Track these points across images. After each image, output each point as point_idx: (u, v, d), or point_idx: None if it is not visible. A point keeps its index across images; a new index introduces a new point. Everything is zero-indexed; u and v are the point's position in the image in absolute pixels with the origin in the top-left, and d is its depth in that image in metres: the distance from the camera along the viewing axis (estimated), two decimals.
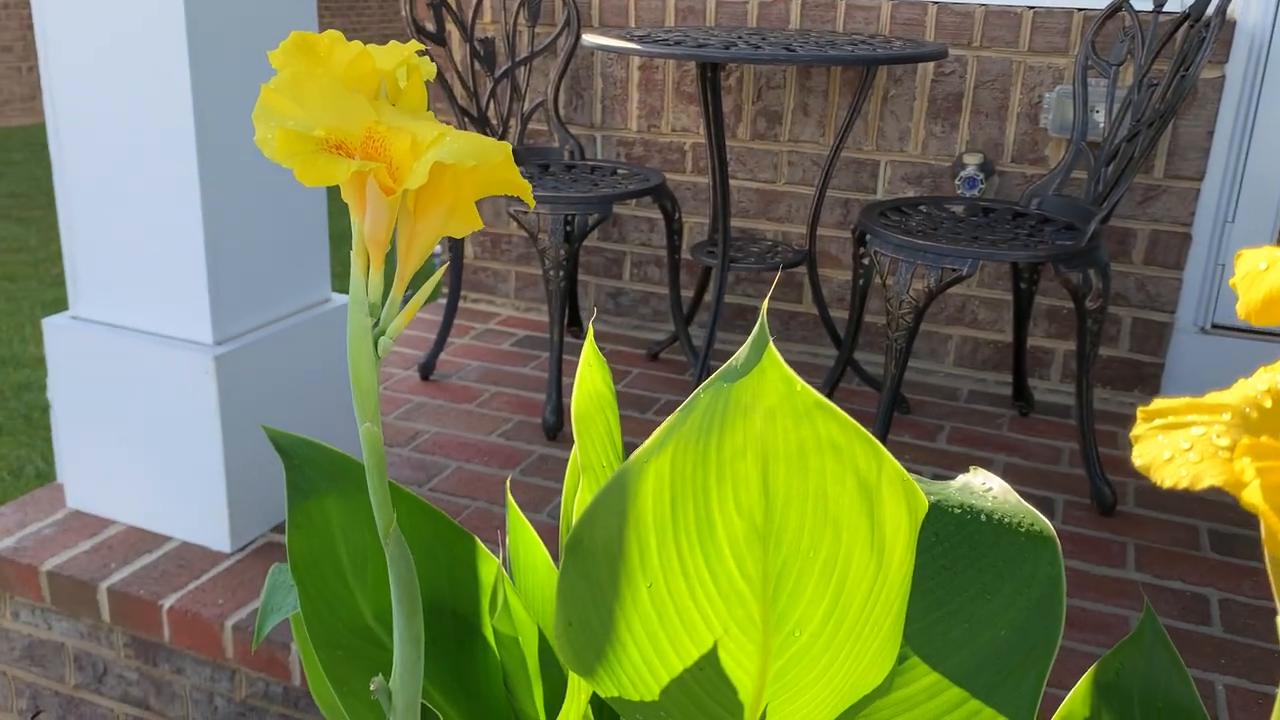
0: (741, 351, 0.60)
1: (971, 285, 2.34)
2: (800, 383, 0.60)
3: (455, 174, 0.55)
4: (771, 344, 0.60)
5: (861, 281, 2.10)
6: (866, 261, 2.05)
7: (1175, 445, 0.36)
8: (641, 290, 2.63)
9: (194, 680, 1.57)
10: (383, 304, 0.60)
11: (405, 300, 0.61)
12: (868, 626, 0.67)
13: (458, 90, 2.40)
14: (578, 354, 2.48)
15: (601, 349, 2.51)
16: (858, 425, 0.60)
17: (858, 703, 0.73)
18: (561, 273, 2.02)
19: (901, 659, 0.77)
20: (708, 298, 2.47)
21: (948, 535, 0.80)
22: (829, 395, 2.23)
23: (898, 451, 2.05)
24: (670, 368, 2.43)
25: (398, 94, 0.58)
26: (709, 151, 2.11)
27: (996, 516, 0.81)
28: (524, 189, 0.57)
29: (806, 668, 0.67)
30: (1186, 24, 1.80)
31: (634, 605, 0.65)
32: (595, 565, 0.65)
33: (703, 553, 0.63)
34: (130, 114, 1.52)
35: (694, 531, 0.62)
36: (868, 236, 1.87)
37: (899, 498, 0.63)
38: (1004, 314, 2.32)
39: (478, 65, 2.32)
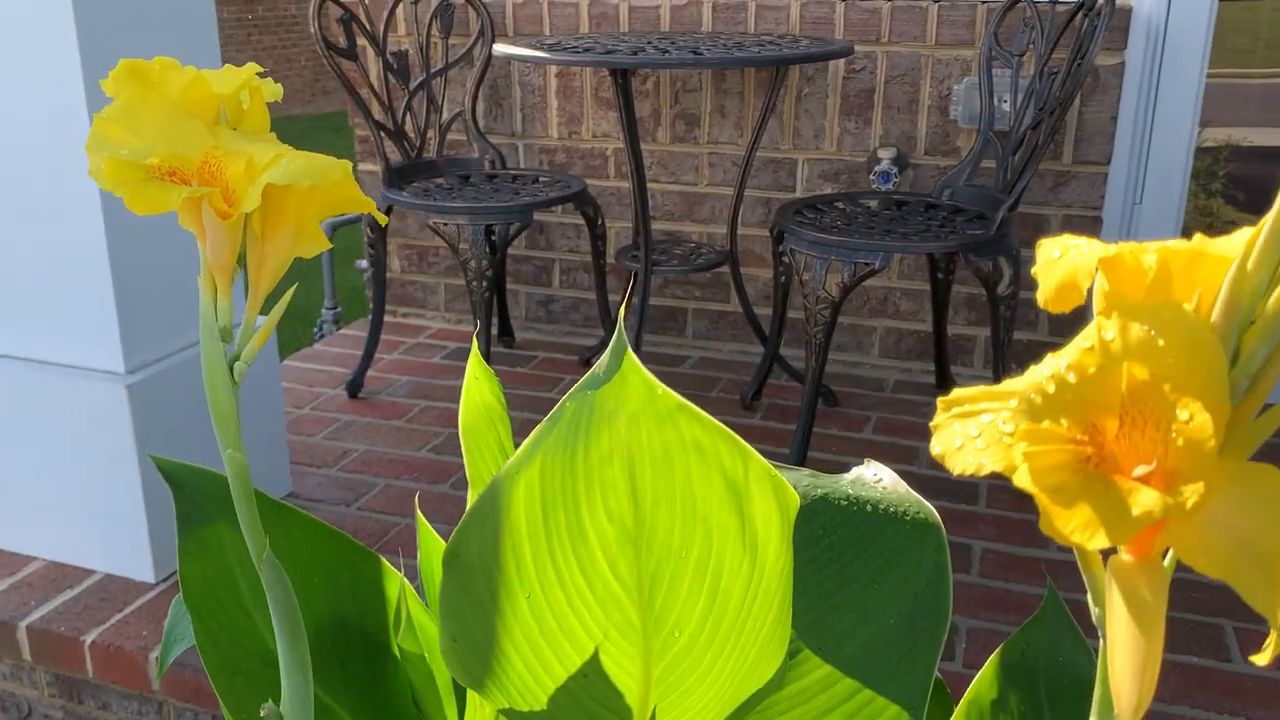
0: (603, 359, 0.61)
1: (892, 277, 2.37)
2: (661, 387, 0.60)
3: (297, 195, 0.55)
4: (630, 350, 0.61)
5: (783, 279, 2.12)
6: (786, 259, 2.07)
7: (966, 433, 0.37)
8: (572, 297, 2.63)
9: (120, 715, 1.54)
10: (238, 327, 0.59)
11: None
12: (749, 623, 0.68)
13: (373, 105, 2.39)
14: (511, 364, 2.48)
15: (533, 357, 2.51)
16: (721, 426, 0.61)
17: (750, 699, 0.74)
18: (485, 283, 2.01)
19: (793, 653, 0.78)
20: (636, 301, 2.48)
21: (835, 527, 0.81)
22: (758, 392, 2.25)
23: (825, 444, 2.07)
24: None
25: (240, 117, 0.58)
26: (628, 157, 2.12)
27: (883, 506, 0.82)
28: (368, 205, 0.57)
29: (690, 667, 0.67)
30: (1081, 13, 1.84)
31: (514, 616, 0.65)
32: (473, 579, 0.65)
33: (577, 560, 0.63)
34: (27, 144, 1.49)
35: (567, 539, 0.63)
36: (785, 235, 1.89)
37: (768, 494, 0.63)
38: (925, 304, 2.36)
39: (393, 79, 2.30)
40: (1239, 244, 0.36)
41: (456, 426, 2.14)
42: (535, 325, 2.67)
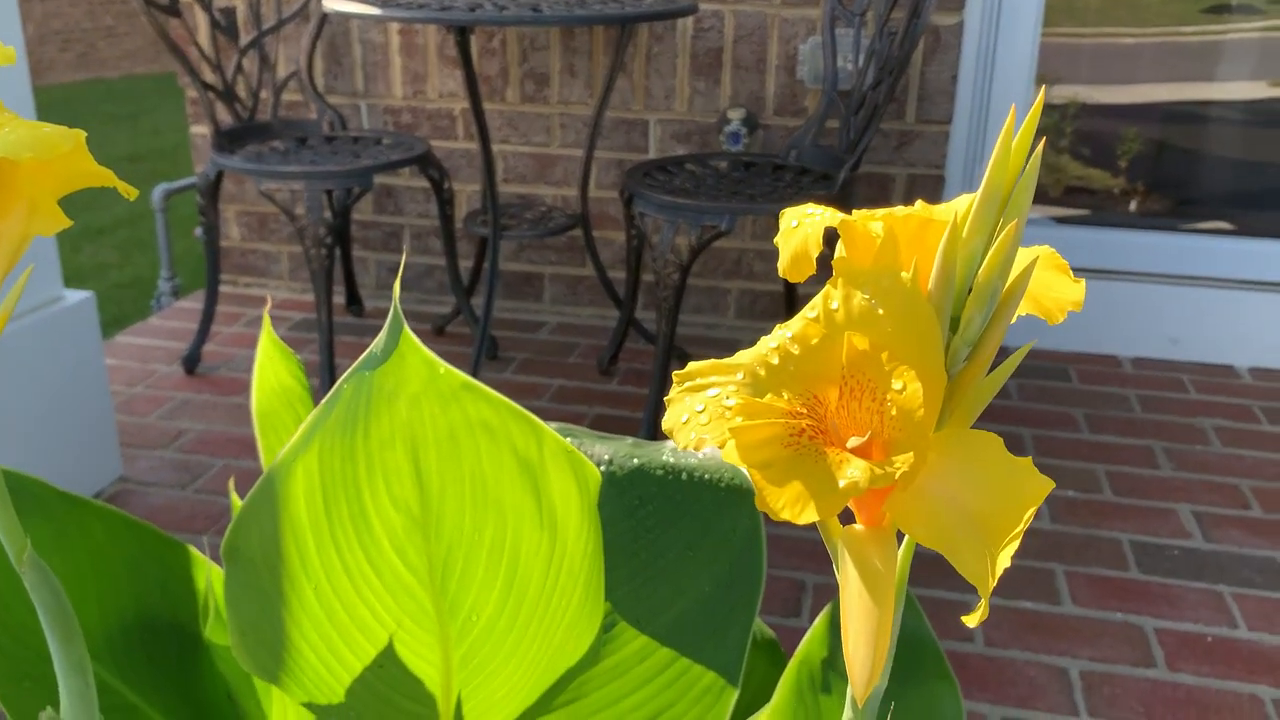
0: (379, 338, 0.58)
1: (745, 238, 2.38)
2: (443, 365, 0.58)
3: (28, 169, 0.50)
4: (407, 327, 0.58)
5: (635, 242, 2.11)
6: (638, 222, 2.05)
7: (692, 408, 0.36)
8: (423, 263, 2.56)
9: None
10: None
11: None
12: (553, 601, 0.66)
13: (202, 66, 2.27)
14: (359, 334, 2.40)
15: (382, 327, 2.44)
16: (510, 403, 0.59)
17: (563, 676, 0.72)
18: (324, 250, 1.94)
19: (609, 626, 0.77)
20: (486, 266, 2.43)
21: (651, 497, 0.80)
22: (614, 356, 2.23)
23: None
24: (457, 341, 2.38)
25: None
26: (471, 117, 2.06)
27: (699, 474, 0.81)
28: (108, 178, 0.53)
29: (493, 651, 0.66)
30: None
31: (302, 609, 0.62)
32: (256, 573, 0.62)
33: (362, 548, 0.60)
34: None
35: (350, 528, 0.60)
36: (635, 197, 1.87)
37: (565, 471, 0.62)
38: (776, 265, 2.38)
39: (221, 37, 2.19)
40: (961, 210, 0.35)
41: None
42: (385, 293, 2.60)
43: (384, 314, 2.52)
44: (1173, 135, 2.76)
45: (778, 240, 0.41)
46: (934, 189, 2.28)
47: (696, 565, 0.79)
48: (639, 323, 2.28)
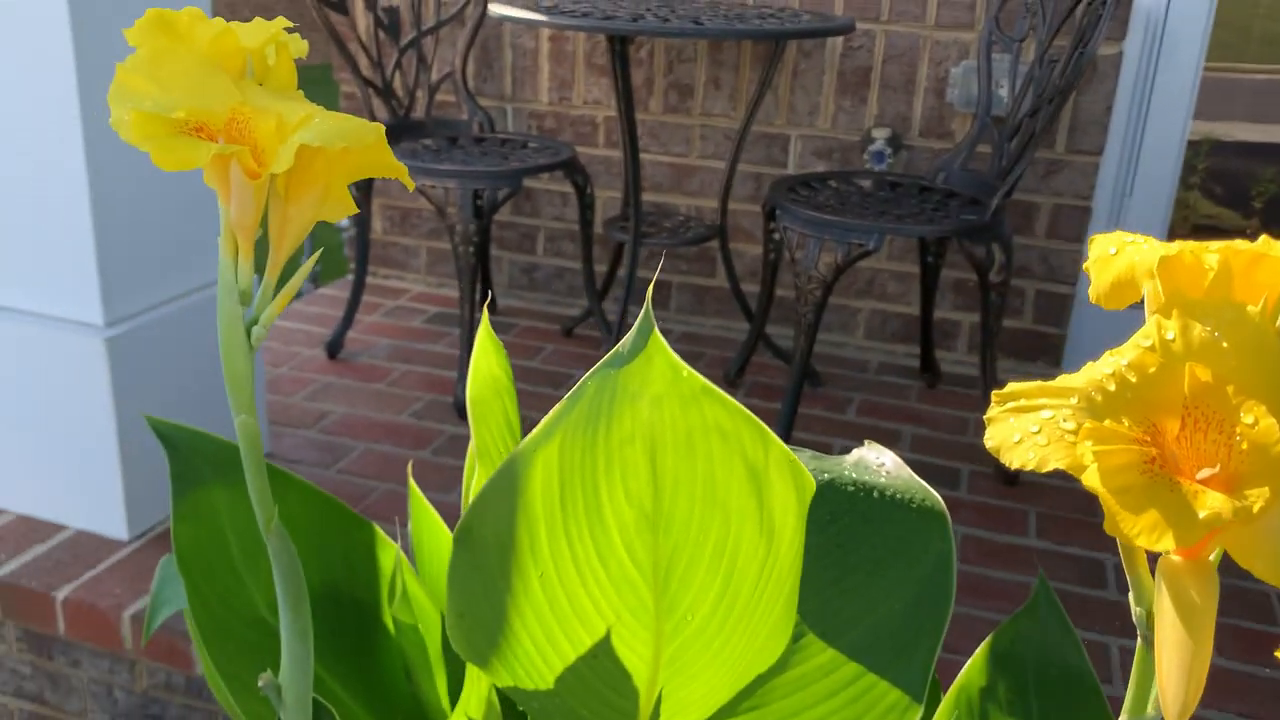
0: (628, 338, 0.59)
1: (880, 259, 2.36)
2: (686, 368, 0.59)
3: (327, 157, 0.53)
4: (657, 330, 0.59)
5: (773, 256, 2.11)
6: (777, 236, 2.06)
7: (1024, 428, 0.37)
8: (555, 265, 2.61)
9: (92, 673, 1.52)
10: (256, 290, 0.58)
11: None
12: (760, 608, 0.67)
13: (362, 61, 2.34)
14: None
15: (514, 325, 2.49)
16: (744, 409, 0.60)
17: (753, 682, 0.73)
18: (471, 248, 1.99)
19: (797, 636, 0.77)
20: (622, 273, 2.46)
21: (842, 513, 0.81)
22: (742, 369, 2.24)
23: (809, 424, 2.07)
24: (585, 344, 2.42)
25: (266, 73, 0.56)
26: (620, 126, 2.09)
27: (890, 493, 0.81)
28: (400, 171, 0.56)
29: (700, 651, 0.67)
30: (1084, 1, 1.83)
31: (525, 595, 0.64)
32: (485, 556, 0.64)
33: (593, 540, 0.62)
34: (9, 80, 1.45)
35: (584, 519, 0.62)
36: (777, 211, 1.88)
37: (786, 480, 0.63)
38: (912, 287, 2.36)
39: (382, 35, 2.26)
40: None
41: (437, 392, 2.13)
42: (517, 292, 2.65)
43: (516, 313, 2.57)
44: None
45: (1089, 266, 0.41)
46: (1080, 220, 2.23)
47: (886, 583, 0.79)
48: (768, 336, 2.28)
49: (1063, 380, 0.37)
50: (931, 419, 2.11)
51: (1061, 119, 2.18)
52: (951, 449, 1.99)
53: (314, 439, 1.92)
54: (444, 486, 1.79)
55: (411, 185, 0.57)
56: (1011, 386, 0.38)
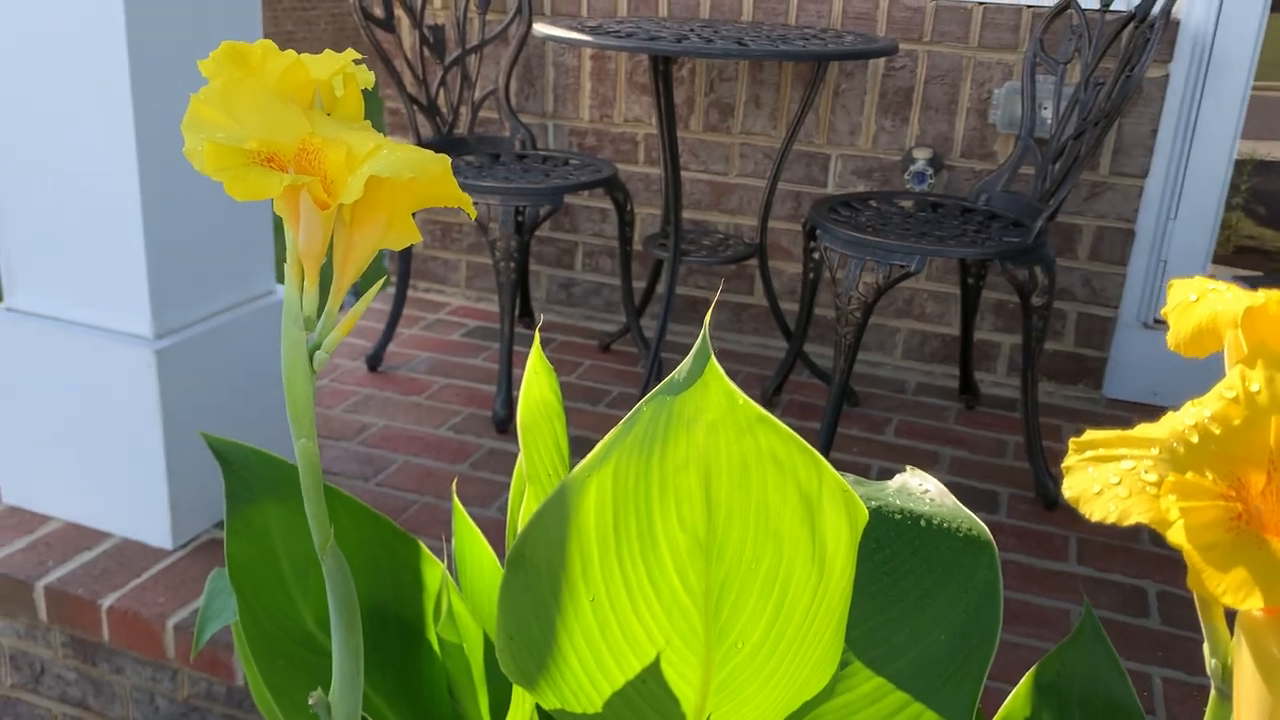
0: (684, 364, 0.60)
1: (920, 279, 2.36)
2: (742, 396, 0.59)
3: (392, 186, 0.54)
4: (714, 358, 0.60)
5: (812, 275, 2.11)
6: (817, 256, 2.06)
7: (1105, 479, 0.36)
8: (593, 281, 2.62)
9: (134, 680, 1.54)
10: (319, 316, 0.59)
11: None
12: (810, 635, 0.67)
13: (407, 78, 2.37)
14: (530, 345, 2.46)
15: (552, 340, 2.50)
16: (799, 438, 0.60)
17: (800, 708, 0.73)
18: (512, 264, 2.00)
19: (844, 664, 0.77)
20: (659, 289, 2.47)
21: (889, 541, 0.81)
22: (779, 388, 2.24)
23: (846, 444, 2.06)
24: (622, 359, 2.42)
25: (334, 103, 0.57)
26: (661, 144, 2.10)
27: (936, 521, 0.81)
28: (464, 201, 0.56)
29: (749, 678, 0.67)
30: (1132, 24, 1.82)
31: (576, 618, 0.65)
32: (537, 578, 0.64)
33: (645, 566, 0.62)
34: (66, 98, 1.48)
35: (636, 545, 0.62)
36: (818, 231, 1.88)
37: (840, 509, 0.63)
38: (951, 307, 2.35)
39: (427, 53, 2.28)
40: None
41: (476, 406, 2.14)
42: (555, 308, 2.66)
43: (554, 327, 2.58)
44: None
45: (1167, 312, 0.41)
46: (1123, 243, 2.22)
47: (933, 612, 0.79)
48: (806, 355, 2.28)
49: (1143, 430, 0.37)
50: (970, 441, 2.10)
51: (1105, 141, 2.16)
52: (990, 471, 1.98)
53: (354, 451, 1.94)
54: (482, 501, 1.80)
55: (474, 213, 0.58)
56: (1090, 434, 0.38)
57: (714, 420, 0.60)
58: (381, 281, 0.61)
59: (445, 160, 0.53)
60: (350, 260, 0.57)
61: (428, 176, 0.53)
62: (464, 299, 2.71)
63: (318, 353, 0.58)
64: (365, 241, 0.56)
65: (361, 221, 0.56)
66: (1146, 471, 0.36)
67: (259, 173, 0.50)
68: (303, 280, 0.56)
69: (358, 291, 2.80)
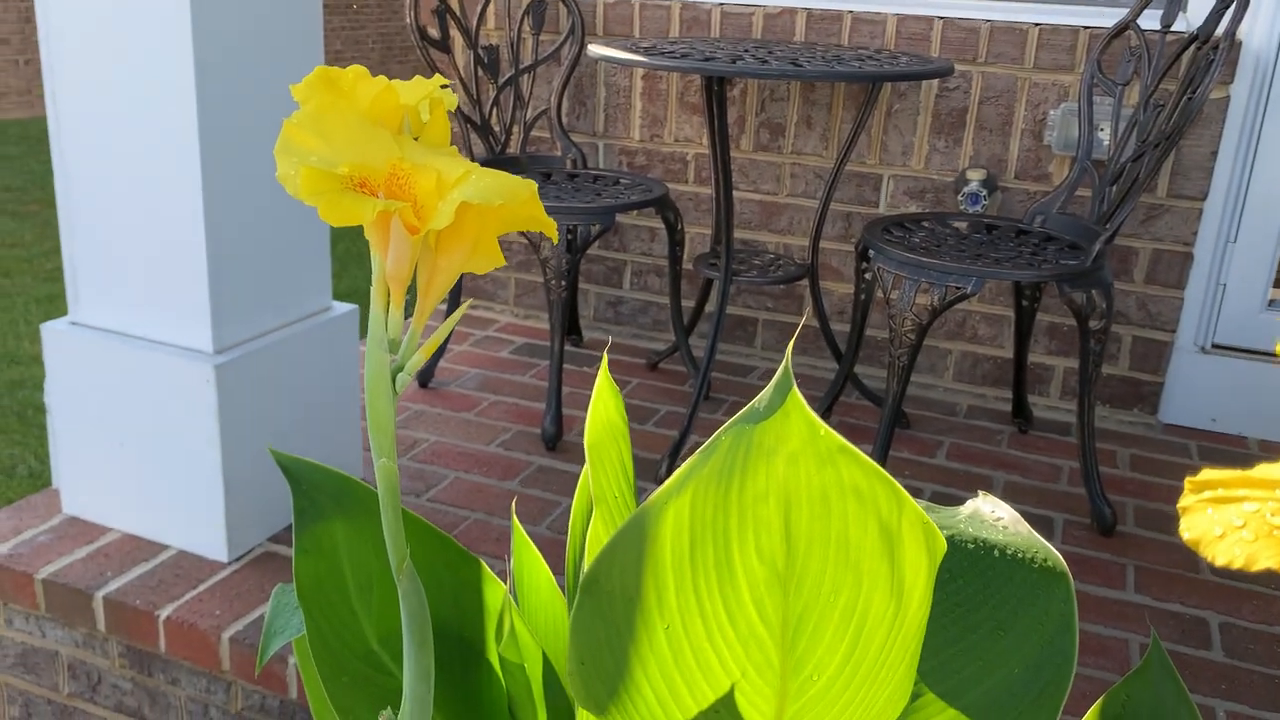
0: (765, 394, 0.59)
1: (972, 301, 2.33)
2: (824, 426, 0.59)
3: (480, 211, 0.54)
4: (796, 388, 0.59)
5: (863, 296, 2.10)
6: (869, 276, 2.04)
7: (1227, 521, 0.35)
8: (641, 299, 2.62)
9: (189, 691, 1.55)
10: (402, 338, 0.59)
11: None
12: (885, 668, 0.66)
13: (461, 97, 2.39)
14: (578, 363, 2.47)
15: (600, 358, 2.51)
16: (880, 469, 0.59)
17: None
18: (563, 282, 2.01)
19: (915, 696, 0.76)
20: (708, 308, 2.46)
21: (961, 571, 0.79)
22: (829, 409, 2.22)
23: (897, 467, 2.04)
24: (670, 378, 2.42)
25: (420, 128, 0.57)
26: (713, 164, 2.10)
27: (1010, 551, 0.80)
28: (549, 225, 0.56)
29: (823, 710, 0.66)
30: (1194, 45, 1.79)
31: (650, 647, 0.64)
32: (611, 606, 0.64)
33: (721, 596, 0.62)
34: (133, 115, 1.51)
35: (714, 574, 0.62)
36: (870, 252, 1.87)
37: (919, 541, 0.62)
38: (1004, 330, 2.32)
39: (481, 72, 2.30)
40: None
41: (525, 423, 2.15)
42: (603, 325, 2.67)
43: (602, 345, 2.58)
44: None
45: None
46: (1180, 266, 2.18)
47: (1007, 645, 0.77)
48: (857, 377, 2.26)
49: (1263, 470, 0.36)
50: (1023, 465, 2.07)
51: (1164, 163, 2.13)
52: (1044, 497, 1.95)
53: (405, 467, 1.95)
54: (533, 518, 1.80)
55: (556, 238, 0.58)
56: (1206, 474, 0.37)
57: (795, 451, 0.59)
58: (465, 305, 0.61)
59: (533, 186, 0.53)
60: (435, 284, 0.57)
61: (518, 202, 0.53)
62: (512, 316, 2.73)
63: (400, 374, 0.58)
64: (450, 265, 0.57)
65: (448, 246, 0.56)
66: (1273, 514, 0.35)
67: (352, 198, 0.50)
68: (388, 303, 0.57)
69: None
